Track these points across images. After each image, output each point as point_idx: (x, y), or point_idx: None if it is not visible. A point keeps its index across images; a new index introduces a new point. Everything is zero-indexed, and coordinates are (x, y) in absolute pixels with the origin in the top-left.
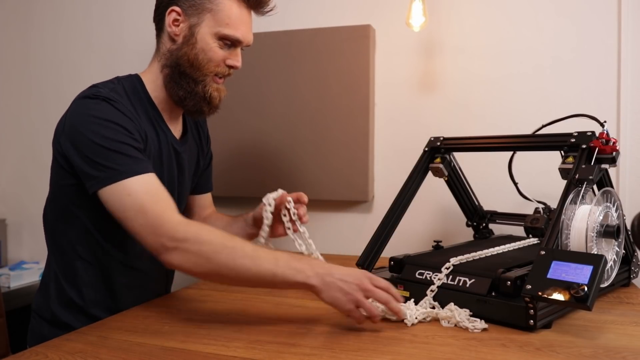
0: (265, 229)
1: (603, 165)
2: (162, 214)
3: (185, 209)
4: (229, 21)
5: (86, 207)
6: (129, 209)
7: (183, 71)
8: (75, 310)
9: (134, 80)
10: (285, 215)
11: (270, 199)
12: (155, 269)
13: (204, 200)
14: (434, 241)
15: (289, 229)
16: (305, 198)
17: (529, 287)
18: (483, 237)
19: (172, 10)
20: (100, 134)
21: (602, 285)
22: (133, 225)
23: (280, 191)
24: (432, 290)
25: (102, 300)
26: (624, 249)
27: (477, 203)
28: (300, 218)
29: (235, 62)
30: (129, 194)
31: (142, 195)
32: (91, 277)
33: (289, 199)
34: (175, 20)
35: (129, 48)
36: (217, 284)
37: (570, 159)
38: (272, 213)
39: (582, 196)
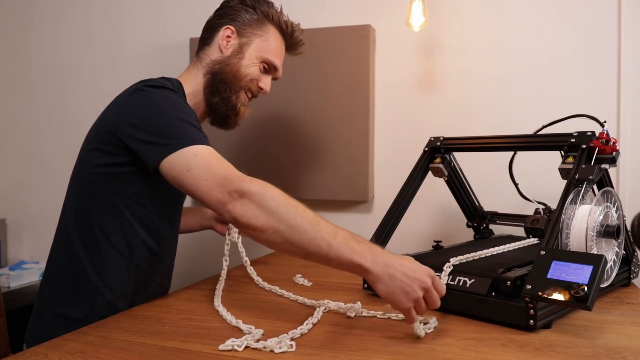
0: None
1: (603, 165)
2: (227, 169)
3: None
4: (272, 50)
5: (128, 194)
6: (194, 166)
7: (224, 79)
8: (103, 304)
9: (178, 83)
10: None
11: None
12: (169, 265)
13: None
14: (434, 241)
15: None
16: None
17: (529, 287)
18: (483, 238)
19: (228, 28)
20: (170, 107)
21: (602, 285)
22: (197, 181)
23: None
24: None
25: (125, 291)
26: (624, 249)
27: (477, 203)
28: None
29: (265, 86)
30: (196, 154)
31: (208, 156)
32: (121, 267)
33: None
34: (229, 36)
35: (129, 48)
36: (271, 247)
37: (570, 159)
38: None
39: (582, 196)
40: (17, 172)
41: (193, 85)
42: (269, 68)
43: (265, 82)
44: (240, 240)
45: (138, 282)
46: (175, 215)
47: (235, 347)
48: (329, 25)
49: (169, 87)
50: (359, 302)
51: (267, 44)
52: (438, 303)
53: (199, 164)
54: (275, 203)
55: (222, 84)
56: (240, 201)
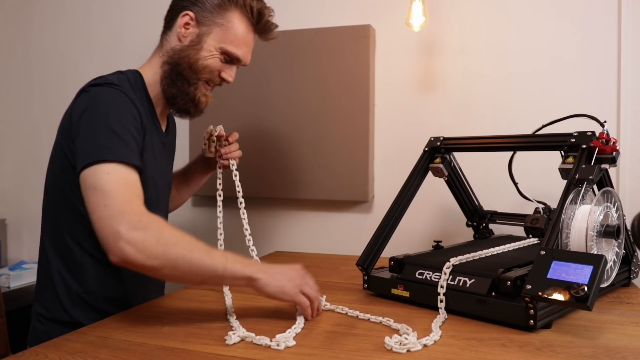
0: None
1: (603, 165)
2: (130, 202)
3: None
4: (234, 39)
5: None
6: (101, 186)
7: (180, 71)
8: (87, 308)
9: (135, 75)
10: (220, 146)
11: (212, 134)
12: None
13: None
14: (434, 241)
15: (219, 157)
16: (235, 136)
17: (529, 287)
18: (483, 237)
19: (187, 14)
20: (102, 113)
21: (602, 285)
22: (97, 205)
23: (219, 127)
24: (441, 298)
25: (113, 295)
26: (624, 249)
27: (477, 203)
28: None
29: (229, 77)
30: (109, 172)
31: (117, 180)
32: (99, 272)
33: (224, 134)
34: (187, 24)
35: (129, 48)
36: (162, 278)
37: (570, 159)
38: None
39: (582, 196)
40: (17, 172)
41: (153, 75)
42: (231, 59)
43: (229, 72)
44: (235, 167)
45: (125, 281)
46: (154, 211)
47: (235, 338)
48: (329, 25)
49: (115, 85)
50: (324, 296)
51: (228, 34)
52: (315, 295)
53: (106, 186)
54: (173, 240)
55: (179, 76)
56: (134, 241)
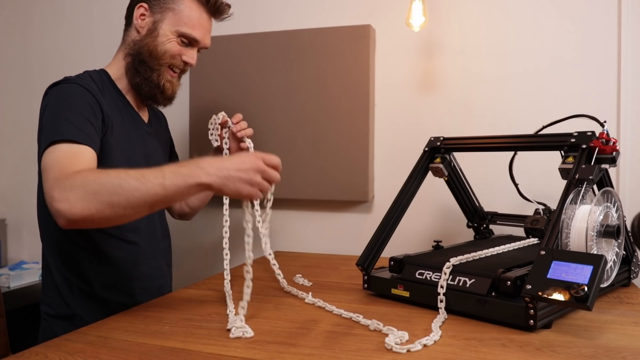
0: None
1: (603, 165)
2: (64, 168)
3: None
4: (188, 21)
5: None
6: (46, 166)
7: (142, 59)
8: (88, 299)
9: (100, 72)
10: (226, 132)
11: (215, 121)
12: (150, 242)
13: None
14: (434, 241)
15: (226, 143)
16: (239, 116)
17: (529, 287)
18: (483, 238)
19: (141, 6)
20: (59, 104)
21: (602, 285)
22: (44, 182)
23: (222, 114)
24: (441, 298)
25: (110, 281)
26: (624, 249)
27: (477, 204)
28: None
29: (190, 59)
30: (52, 151)
31: (59, 154)
32: (94, 263)
33: (228, 119)
34: (142, 14)
35: None
36: (116, 223)
37: (570, 159)
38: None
39: (582, 196)
40: (17, 172)
41: (119, 69)
42: (189, 41)
43: (190, 55)
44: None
45: (119, 267)
46: None
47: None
48: (329, 25)
49: (72, 80)
50: (310, 293)
51: (181, 16)
52: (278, 177)
53: (48, 163)
54: (98, 184)
55: (141, 65)
56: (66, 199)
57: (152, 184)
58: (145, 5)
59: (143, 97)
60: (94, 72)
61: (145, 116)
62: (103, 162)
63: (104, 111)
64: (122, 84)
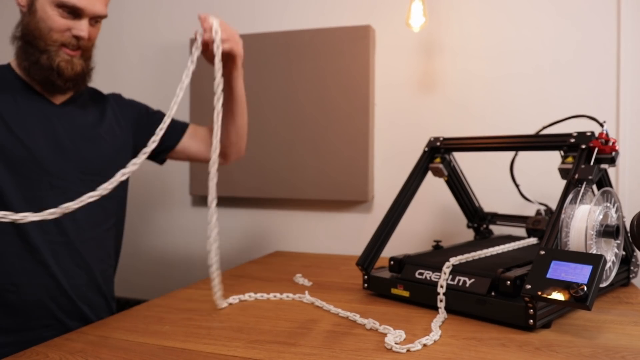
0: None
1: (602, 165)
2: None
3: (191, 157)
4: None
5: None
6: None
7: (29, 41)
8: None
9: (4, 67)
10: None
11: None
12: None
13: (192, 138)
14: (434, 241)
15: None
16: (205, 18)
17: (528, 286)
18: (483, 238)
19: None
20: None
21: (602, 285)
22: None
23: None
24: (441, 298)
25: None
26: (623, 249)
27: (477, 204)
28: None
29: (80, 32)
30: None
31: None
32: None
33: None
34: None
35: (129, 48)
36: None
37: (569, 159)
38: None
39: (582, 196)
40: None
41: (16, 58)
42: (71, 11)
43: (79, 28)
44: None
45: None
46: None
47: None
48: (329, 26)
49: None
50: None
51: None
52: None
53: None
54: None
55: (29, 47)
56: None
57: None
58: None
59: (40, 83)
60: (1, 67)
61: (62, 98)
62: None
63: None
64: (22, 72)
